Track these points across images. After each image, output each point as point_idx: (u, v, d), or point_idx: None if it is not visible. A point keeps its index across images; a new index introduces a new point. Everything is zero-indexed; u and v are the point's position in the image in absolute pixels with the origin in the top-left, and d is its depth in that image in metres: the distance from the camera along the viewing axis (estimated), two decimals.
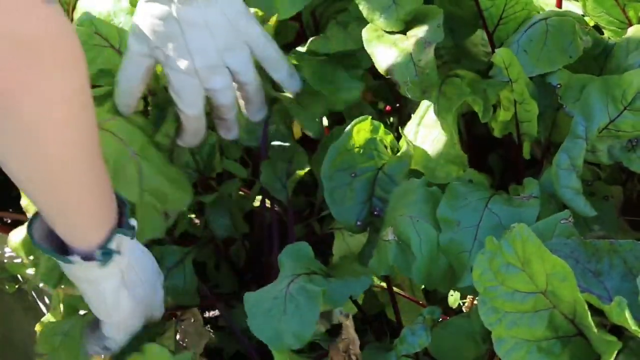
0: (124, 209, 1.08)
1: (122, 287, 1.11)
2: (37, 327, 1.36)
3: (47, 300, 1.57)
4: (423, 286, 1.43)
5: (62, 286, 1.25)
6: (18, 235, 1.24)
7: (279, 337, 1.01)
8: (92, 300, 1.13)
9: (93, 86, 1.30)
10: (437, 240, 1.08)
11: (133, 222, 1.09)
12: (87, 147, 0.99)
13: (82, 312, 1.29)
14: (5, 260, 1.65)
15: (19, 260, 1.63)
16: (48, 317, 1.36)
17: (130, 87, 1.21)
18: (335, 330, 1.18)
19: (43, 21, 0.87)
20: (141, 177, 1.17)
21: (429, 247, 1.07)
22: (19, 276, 1.65)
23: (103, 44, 1.32)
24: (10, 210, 1.88)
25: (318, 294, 1.03)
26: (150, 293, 1.17)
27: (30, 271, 1.59)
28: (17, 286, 1.65)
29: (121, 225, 1.08)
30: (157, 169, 1.19)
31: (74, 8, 1.50)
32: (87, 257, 1.05)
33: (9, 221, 1.84)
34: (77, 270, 1.07)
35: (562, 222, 1.02)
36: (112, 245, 1.06)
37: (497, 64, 1.12)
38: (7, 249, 1.67)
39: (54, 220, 1.04)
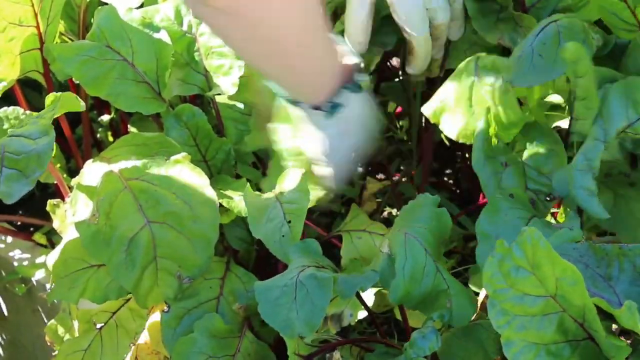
0: (356, 66, 1.19)
1: (341, 135, 1.21)
2: (46, 332, 1.37)
3: (55, 302, 1.57)
4: None
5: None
6: (53, 257, 1.24)
7: (290, 324, 1.02)
8: (306, 142, 1.24)
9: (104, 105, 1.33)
10: (424, 261, 1.08)
11: (363, 77, 1.20)
12: (304, 26, 1.09)
13: (98, 325, 1.30)
14: (15, 263, 1.66)
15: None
16: (55, 321, 1.37)
17: (360, 25, 1.31)
18: (345, 332, 1.18)
19: None
20: (154, 244, 1.16)
21: (413, 266, 1.07)
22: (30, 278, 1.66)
23: (116, 58, 1.33)
24: (20, 212, 1.89)
25: (329, 281, 1.03)
26: (362, 142, 1.25)
27: (40, 274, 1.60)
28: (26, 288, 1.66)
29: (350, 81, 1.18)
30: (176, 232, 1.16)
31: (85, 11, 1.51)
32: (315, 107, 1.17)
33: (19, 223, 1.85)
34: (304, 115, 1.20)
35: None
36: (339, 100, 1.17)
37: (567, 59, 1.11)
38: (17, 252, 1.68)
39: (284, 84, 1.18)
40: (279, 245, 1.14)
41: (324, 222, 1.48)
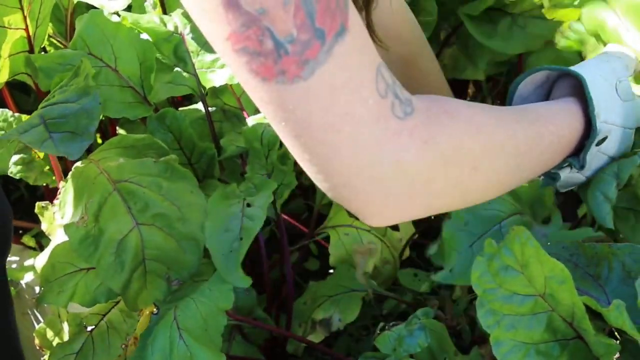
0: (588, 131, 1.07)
1: (575, 174, 1.12)
2: (35, 335, 1.36)
3: (45, 306, 1.56)
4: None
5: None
6: (42, 259, 1.23)
7: None
8: None
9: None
10: None
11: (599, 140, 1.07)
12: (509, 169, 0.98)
13: (89, 328, 1.29)
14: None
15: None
16: (45, 325, 1.36)
17: None
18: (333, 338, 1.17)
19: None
20: (143, 246, 1.15)
21: None
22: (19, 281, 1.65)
23: (99, 65, 1.32)
24: None
25: None
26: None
27: (29, 276, 1.59)
28: (15, 291, 1.65)
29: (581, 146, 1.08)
30: (165, 234, 1.16)
31: (72, 13, 1.50)
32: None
33: None
34: None
35: None
36: (561, 169, 1.08)
37: None
38: None
39: None
40: (224, 260, 1.12)
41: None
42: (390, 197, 0.84)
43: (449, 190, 0.89)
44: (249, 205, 1.17)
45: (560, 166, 1.09)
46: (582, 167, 1.08)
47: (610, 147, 1.11)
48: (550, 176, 1.10)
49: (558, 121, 1.06)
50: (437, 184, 0.86)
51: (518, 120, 1.00)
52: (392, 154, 0.81)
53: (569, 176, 1.12)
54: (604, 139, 1.09)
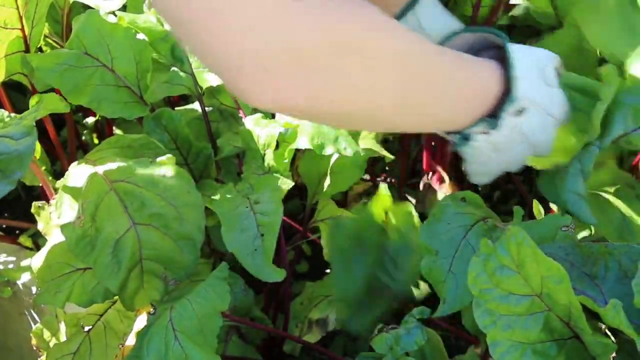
0: (506, 96, 1.06)
1: (492, 152, 1.12)
2: (32, 336, 1.36)
3: (42, 306, 1.56)
4: None
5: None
6: (38, 260, 1.23)
7: None
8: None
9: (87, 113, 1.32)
10: None
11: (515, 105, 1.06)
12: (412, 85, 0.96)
13: (86, 328, 1.29)
14: (1, 266, 1.65)
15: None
16: (42, 325, 1.36)
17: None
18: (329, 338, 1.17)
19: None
20: (140, 246, 1.15)
21: None
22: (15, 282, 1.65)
23: (95, 64, 1.32)
24: (6, 215, 1.88)
25: None
26: (521, 158, 1.14)
27: (26, 276, 1.59)
28: (12, 291, 1.65)
29: (497, 110, 1.07)
30: (162, 234, 1.16)
31: (68, 13, 1.50)
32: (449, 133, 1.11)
33: (4, 226, 1.84)
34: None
35: (562, 229, 1.02)
36: (474, 130, 1.07)
37: None
38: (2, 255, 1.67)
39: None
40: (251, 259, 1.12)
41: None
42: (276, 77, 0.82)
43: (338, 81, 0.87)
44: (256, 202, 1.17)
45: (472, 126, 1.07)
46: (495, 127, 1.06)
47: (531, 129, 1.10)
48: (464, 136, 1.09)
49: (471, 68, 1.05)
50: (326, 71, 0.85)
51: (427, 44, 0.98)
52: (283, 34, 0.80)
53: (484, 151, 1.11)
54: (522, 111, 1.07)
